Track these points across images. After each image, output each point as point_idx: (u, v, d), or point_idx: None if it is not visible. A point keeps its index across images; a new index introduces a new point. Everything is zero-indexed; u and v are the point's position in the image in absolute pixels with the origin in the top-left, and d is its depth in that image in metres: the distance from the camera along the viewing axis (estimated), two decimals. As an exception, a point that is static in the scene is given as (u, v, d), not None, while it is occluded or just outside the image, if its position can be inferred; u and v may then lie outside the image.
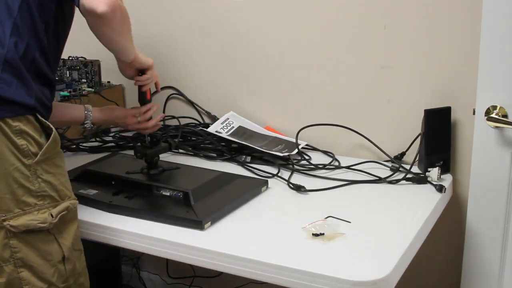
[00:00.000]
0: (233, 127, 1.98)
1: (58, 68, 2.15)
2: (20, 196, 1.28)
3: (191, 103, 2.16)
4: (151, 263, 2.42)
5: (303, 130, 1.89)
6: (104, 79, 2.21)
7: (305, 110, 1.96)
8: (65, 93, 2.02)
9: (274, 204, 1.56)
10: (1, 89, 1.25)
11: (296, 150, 1.85)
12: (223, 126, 1.97)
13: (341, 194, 1.62)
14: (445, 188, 1.62)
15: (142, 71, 1.68)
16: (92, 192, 1.58)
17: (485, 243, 1.65)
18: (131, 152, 1.71)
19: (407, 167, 1.73)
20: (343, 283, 1.19)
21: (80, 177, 1.66)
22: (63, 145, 1.80)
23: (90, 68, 2.14)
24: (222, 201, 1.51)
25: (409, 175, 1.70)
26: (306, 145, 1.93)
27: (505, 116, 1.54)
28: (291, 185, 1.65)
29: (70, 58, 2.17)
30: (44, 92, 1.35)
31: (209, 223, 1.42)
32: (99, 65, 2.16)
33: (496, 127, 1.56)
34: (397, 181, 1.68)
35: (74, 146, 1.98)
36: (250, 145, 1.86)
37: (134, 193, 1.57)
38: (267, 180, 1.66)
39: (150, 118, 1.76)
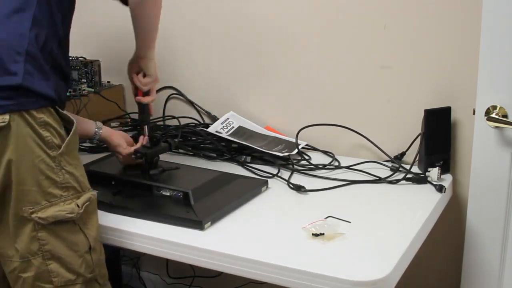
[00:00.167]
0: (233, 127, 1.98)
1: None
2: (46, 188, 1.28)
3: (191, 103, 2.16)
4: (151, 263, 2.42)
5: (303, 130, 1.89)
6: (104, 79, 2.20)
7: (305, 110, 1.96)
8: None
9: (274, 204, 1.56)
10: (26, 80, 1.25)
11: (296, 150, 1.85)
12: (223, 126, 1.97)
13: (341, 194, 1.62)
14: (445, 188, 1.62)
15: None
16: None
17: (485, 243, 1.65)
18: None
19: (407, 167, 1.73)
20: (343, 283, 1.19)
21: None
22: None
23: (90, 68, 2.14)
24: (222, 201, 1.51)
25: (409, 175, 1.70)
26: (306, 145, 1.93)
27: (505, 116, 1.54)
28: (291, 185, 1.65)
29: (70, 58, 2.17)
30: (60, 85, 1.36)
31: (209, 223, 1.42)
32: (99, 65, 2.16)
33: (496, 127, 1.56)
34: (397, 181, 1.68)
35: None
36: (250, 145, 1.86)
37: (134, 193, 1.58)
38: (267, 180, 1.66)
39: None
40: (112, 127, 2.09)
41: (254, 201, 1.57)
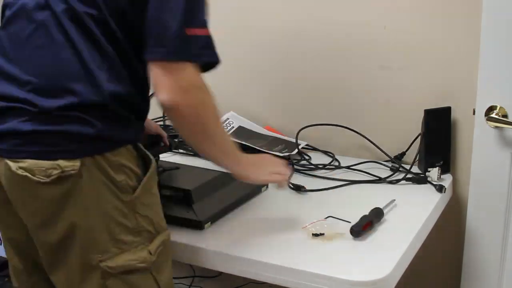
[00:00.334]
0: (233, 127, 1.98)
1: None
2: (117, 235, 1.16)
3: (191, 103, 2.16)
4: (151, 263, 2.41)
5: (303, 130, 1.89)
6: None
7: (305, 110, 1.96)
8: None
9: (274, 204, 1.56)
10: (102, 131, 1.14)
11: (296, 150, 1.85)
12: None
13: (341, 194, 1.62)
14: (445, 188, 1.62)
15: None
16: None
17: (485, 243, 1.65)
18: None
19: (407, 167, 1.73)
20: (343, 283, 1.19)
21: None
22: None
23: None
24: (223, 201, 1.51)
25: (409, 175, 1.70)
26: (306, 145, 1.93)
27: (505, 116, 1.54)
28: (291, 185, 1.65)
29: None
30: (138, 124, 1.25)
31: (209, 223, 1.42)
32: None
33: (496, 127, 1.56)
34: (397, 181, 1.68)
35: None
36: (250, 145, 1.86)
37: None
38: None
39: None
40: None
41: (254, 201, 1.57)
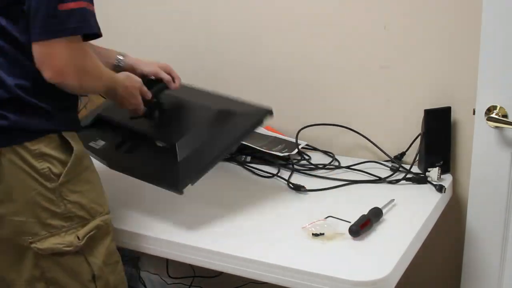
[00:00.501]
0: (233, 127, 1.98)
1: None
2: (45, 219, 1.25)
3: (191, 103, 2.16)
4: (151, 263, 2.42)
5: (303, 130, 1.89)
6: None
7: (305, 110, 1.96)
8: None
9: (274, 204, 1.56)
10: (16, 123, 1.21)
11: (296, 150, 1.85)
12: (223, 126, 1.97)
13: (341, 194, 1.62)
14: (445, 188, 1.62)
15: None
16: (100, 143, 1.55)
17: (485, 243, 1.65)
18: None
19: (407, 167, 1.73)
20: (343, 283, 1.19)
21: (94, 124, 1.64)
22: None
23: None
24: (212, 152, 1.41)
25: (409, 175, 1.70)
26: (306, 145, 1.93)
27: (505, 116, 1.54)
28: (291, 185, 1.65)
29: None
30: (63, 113, 1.28)
31: (189, 185, 1.37)
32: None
33: (496, 127, 1.56)
34: (397, 181, 1.68)
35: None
36: (250, 145, 1.86)
37: (136, 144, 1.52)
38: (270, 110, 1.55)
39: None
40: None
41: (255, 201, 1.57)
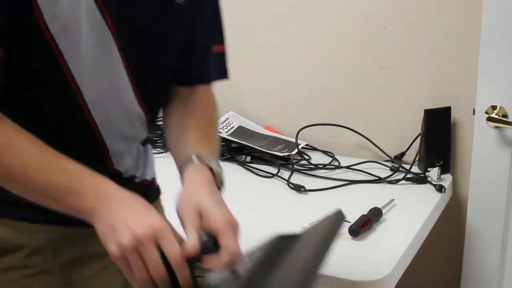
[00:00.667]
0: (233, 127, 1.98)
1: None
2: None
3: (191, 103, 2.16)
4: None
5: (303, 130, 1.89)
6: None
7: (305, 110, 1.96)
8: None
9: (274, 204, 1.56)
10: None
11: (296, 150, 1.85)
12: (223, 126, 1.97)
13: (341, 194, 1.62)
14: (445, 188, 1.62)
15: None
16: None
17: (485, 243, 1.65)
18: None
19: (407, 167, 1.73)
20: (343, 283, 1.19)
21: None
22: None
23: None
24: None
25: (409, 175, 1.70)
26: (306, 145, 1.93)
27: (505, 116, 1.54)
28: (291, 185, 1.65)
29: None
30: None
31: None
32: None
33: (496, 127, 1.56)
34: (397, 181, 1.68)
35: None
36: (250, 145, 1.86)
37: None
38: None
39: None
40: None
41: (254, 201, 1.57)
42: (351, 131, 1.87)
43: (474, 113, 1.59)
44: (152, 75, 1.00)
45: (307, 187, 1.62)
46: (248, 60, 2.03)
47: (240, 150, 1.89)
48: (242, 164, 1.83)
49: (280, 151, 1.85)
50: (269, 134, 1.97)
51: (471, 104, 1.61)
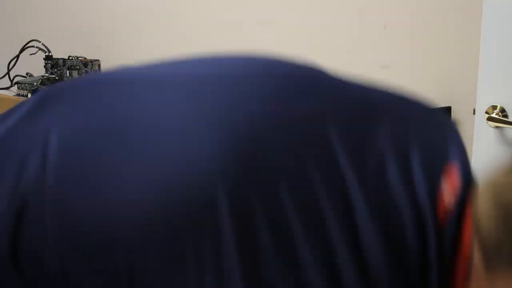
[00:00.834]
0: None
1: (58, 68, 2.15)
2: None
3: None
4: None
5: (303, 130, 1.89)
6: (104, 79, 2.20)
7: (305, 110, 1.96)
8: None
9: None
10: None
11: (296, 150, 1.84)
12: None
13: (341, 194, 1.62)
14: (445, 188, 1.62)
15: None
16: None
17: (485, 243, 1.64)
18: None
19: (407, 167, 1.73)
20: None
21: None
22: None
23: (90, 67, 2.14)
24: None
25: (409, 175, 1.70)
26: (306, 145, 1.93)
27: (505, 116, 1.54)
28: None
29: (70, 58, 2.17)
30: None
31: None
32: (99, 65, 2.16)
33: (496, 127, 1.56)
34: (397, 181, 1.68)
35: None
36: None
37: None
38: None
39: None
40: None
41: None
42: (351, 131, 1.87)
43: (474, 113, 1.59)
44: None
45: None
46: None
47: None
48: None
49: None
50: (269, 134, 1.97)
51: (471, 104, 1.60)
